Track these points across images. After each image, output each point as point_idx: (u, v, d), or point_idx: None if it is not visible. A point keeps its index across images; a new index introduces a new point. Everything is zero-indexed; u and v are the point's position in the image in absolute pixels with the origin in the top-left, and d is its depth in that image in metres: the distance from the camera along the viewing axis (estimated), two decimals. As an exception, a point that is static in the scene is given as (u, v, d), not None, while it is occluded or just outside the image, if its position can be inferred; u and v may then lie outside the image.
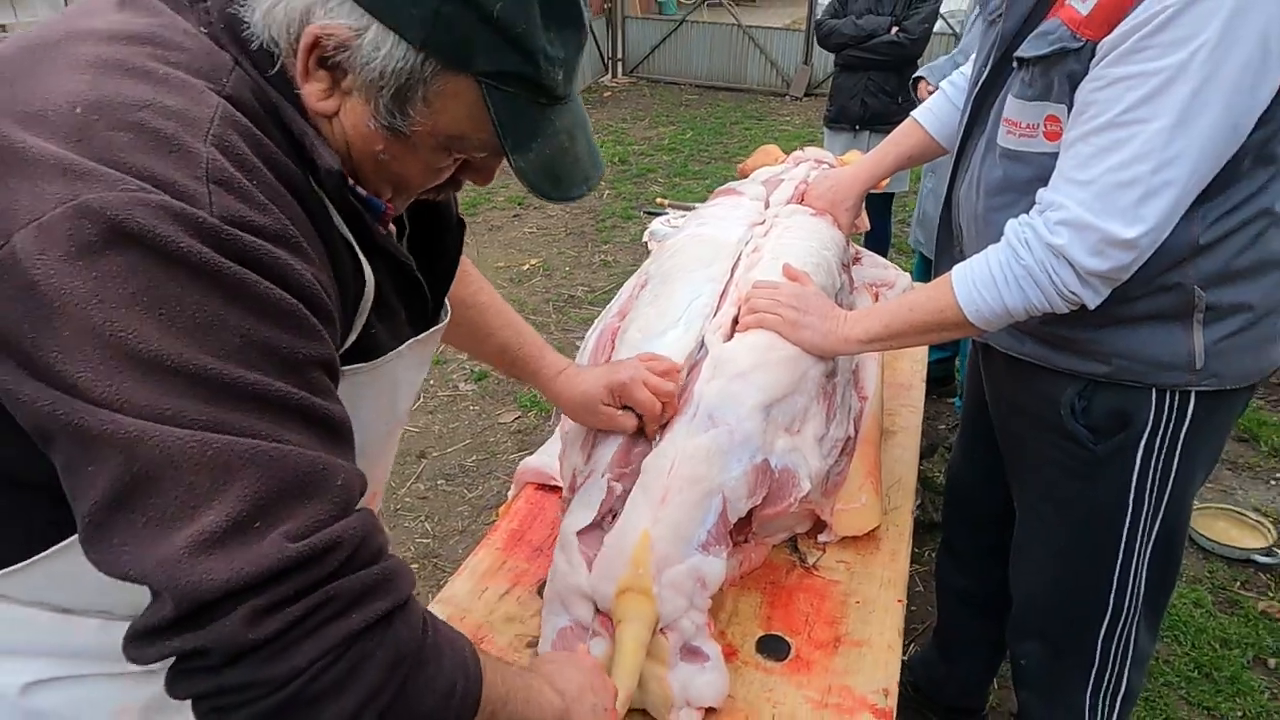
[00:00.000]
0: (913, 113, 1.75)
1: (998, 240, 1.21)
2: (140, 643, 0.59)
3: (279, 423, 0.60)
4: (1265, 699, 2.19)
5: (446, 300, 0.98)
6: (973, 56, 1.46)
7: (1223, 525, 2.77)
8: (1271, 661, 2.31)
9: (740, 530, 1.22)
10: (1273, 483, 3.09)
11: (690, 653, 1.07)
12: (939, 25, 3.88)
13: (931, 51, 4.01)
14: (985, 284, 1.18)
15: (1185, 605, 2.46)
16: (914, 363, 2.00)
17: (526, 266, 4.88)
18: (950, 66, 3.17)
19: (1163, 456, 1.30)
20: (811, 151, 2.02)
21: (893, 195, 3.85)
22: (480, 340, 1.20)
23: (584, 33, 0.71)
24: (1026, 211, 1.19)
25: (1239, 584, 2.60)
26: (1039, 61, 1.16)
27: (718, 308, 1.33)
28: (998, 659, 1.96)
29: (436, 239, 0.94)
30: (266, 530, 0.57)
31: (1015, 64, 1.23)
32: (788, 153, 2.12)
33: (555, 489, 1.51)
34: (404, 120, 0.69)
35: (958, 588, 1.88)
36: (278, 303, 0.60)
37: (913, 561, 1.39)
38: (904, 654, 1.18)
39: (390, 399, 0.90)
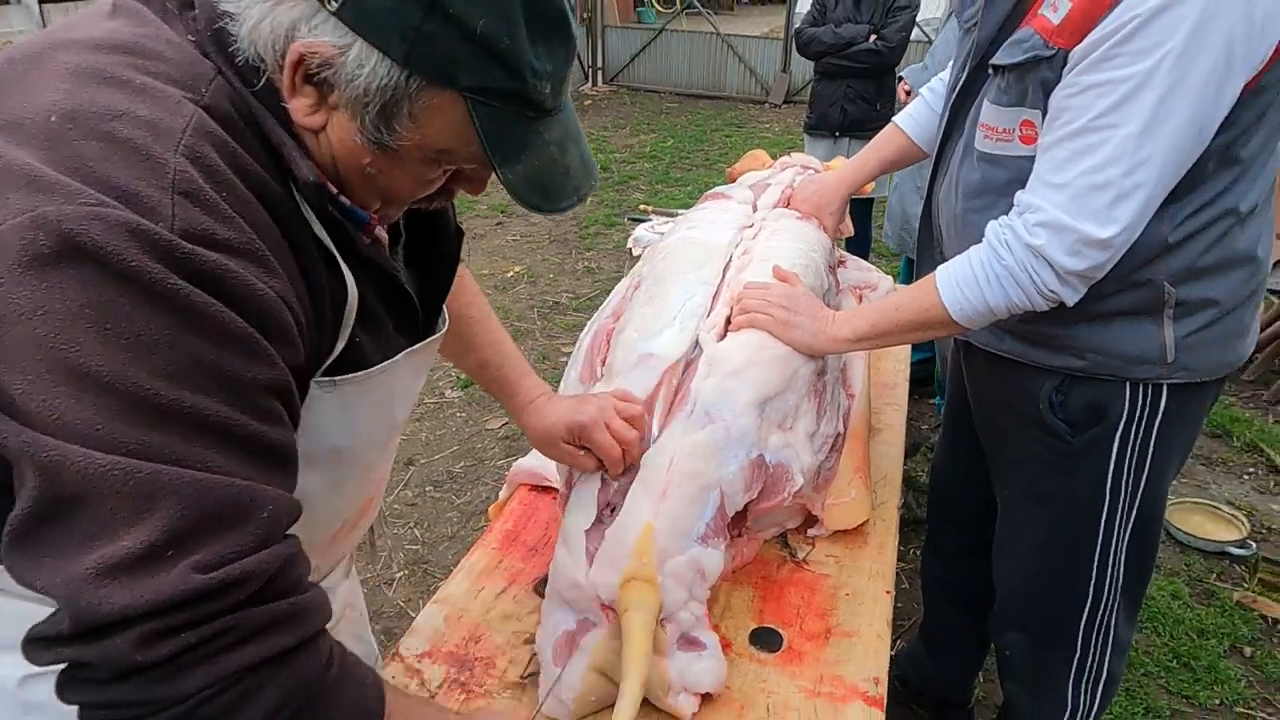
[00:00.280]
0: (894, 118, 1.79)
1: (976, 240, 1.25)
2: (36, 646, 0.60)
3: (212, 448, 0.59)
4: (1242, 687, 2.25)
5: (445, 309, 0.99)
6: (950, 64, 1.50)
7: (1198, 519, 2.84)
8: (1247, 650, 2.37)
9: (735, 525, 1.25)
10: (1245, 477, 3.17)
11: (688, 642, 1.10)
12: (915, 33, 3.95)
13: (908, 59, 4.07)
14: (968, 284, 1.22)
15: (1163, 597, 2.52)
16: (897, 362, 2.04)
17: (510, 274, 4.90)
18: (920, 70, 3.25)
19: (1138, 447, 1.34)
20: (797, 157, 2.06)
21: (872, 200, 3.91)
22: (462, 354, 1.20)
23: (572, 45, 0.71)
24: (1004, 213, 1.23)
25: (1215, 575, 2.66)
26: (1014, 69, 1.20)
27: (711, 308, 1.36)
28: (982, 652, 2.00)
29: (433, 247, 0.95)
30: (178, 559, 0.57)
31: (991, 71, 1.27)
32: (773, 158, 2.17)
33: (548, 490, 1.53)
34: (390, 135, 0.69)
35: (942, 583, 1.92)
36: (227, 326, 0.60)
37: (898, 559, 1.42)
38: (891, 648, 1.21)
39: (386, 407, 0.91)
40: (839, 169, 1.85)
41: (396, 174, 0.74)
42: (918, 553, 2.57)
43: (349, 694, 0.69)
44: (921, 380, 3.52)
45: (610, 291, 1.62)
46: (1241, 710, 2.19)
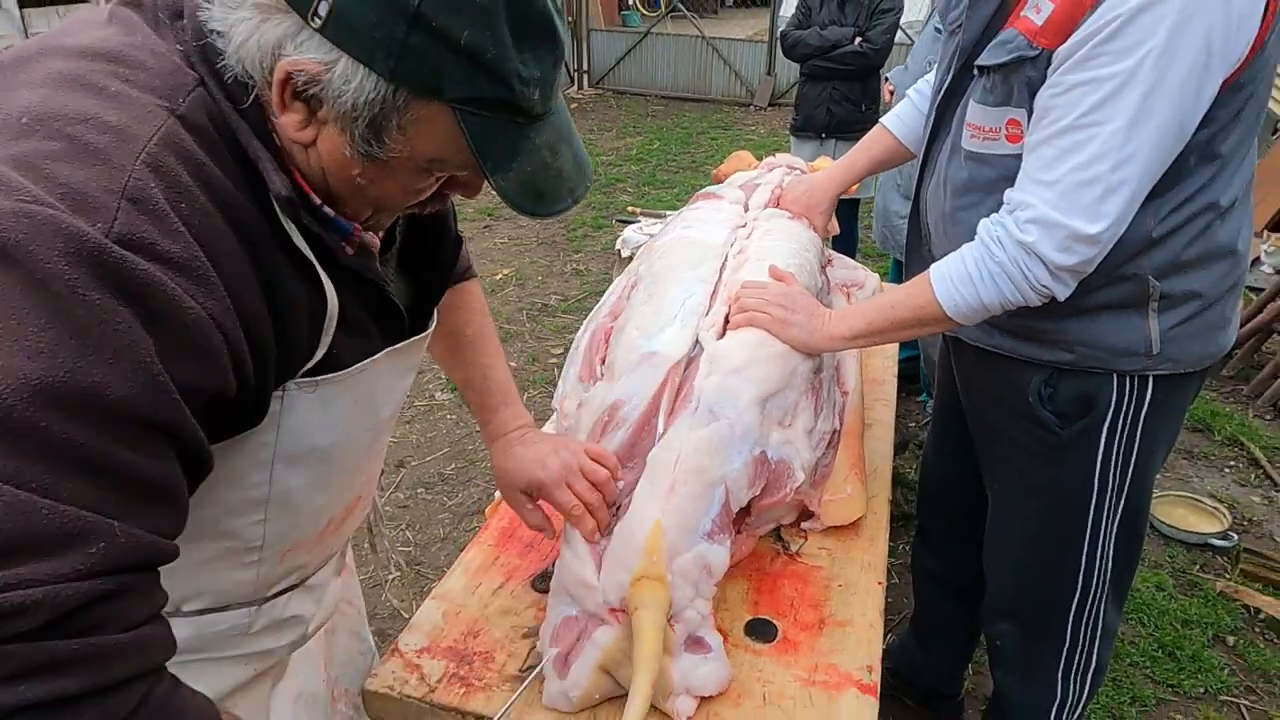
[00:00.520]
0: (882, 119, 1.82)
1: (965, 238, 1.27)
2: None
3: (60, 472, 0.55)
4: (1225, 675, 2.29)
5: (436, 310, 0.99)
6: (931, 65, 1.52)
7: (1181, 512, 2.89)
8: (1230, 639, 2.42)
9: (738, 521, 1.27)
10: (1226, 470, 3.22)
11: (694, 643, 1.10)
12: (898, 36, 3.99)
13: (892, 61, 4.12)
14: (962, 281, 1.24)
15: (1148, 589, 2.56)
16: (886, 359, 2.07)
17: (499, 277, 4.90)
18: (901, 71, 3.30)
19: (1125, 438, 1.37)
20: (783, 158, 2.09)
21: (858, 201, 3.95)
22: (451, 368, 1.21)
23: (560, 49, 0.71)
24: (991, 210, 1.26)
25: (1198, 567, 2.70)
26: (999, 69, 1.23)
27: (709, 307, 1.38)
28: (972, 644, 2.03)
29: (429, 251, 0.95)
30: None
31: (976, 72, 1.29)
32: (759, 159, 2.19)
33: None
34: (380, 148, 0.69)
35: (933, 575, 1.95)
36: (131, 350, 0.58)
37: (887, 554, 1.44)
38: (882, 640, 1.23)
39: (369, 407, 0.91)
40: (828, 170, 1.88)
41: (388, 184, 0.74)
42: (906, 548, 2.60)
43: None
44: (907, 378, 3.56)
45: (598, 293, 1.63)
46: (1225, 698, 2.23)
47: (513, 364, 3.91)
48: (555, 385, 3.40)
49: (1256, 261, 4.71)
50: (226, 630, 0.94)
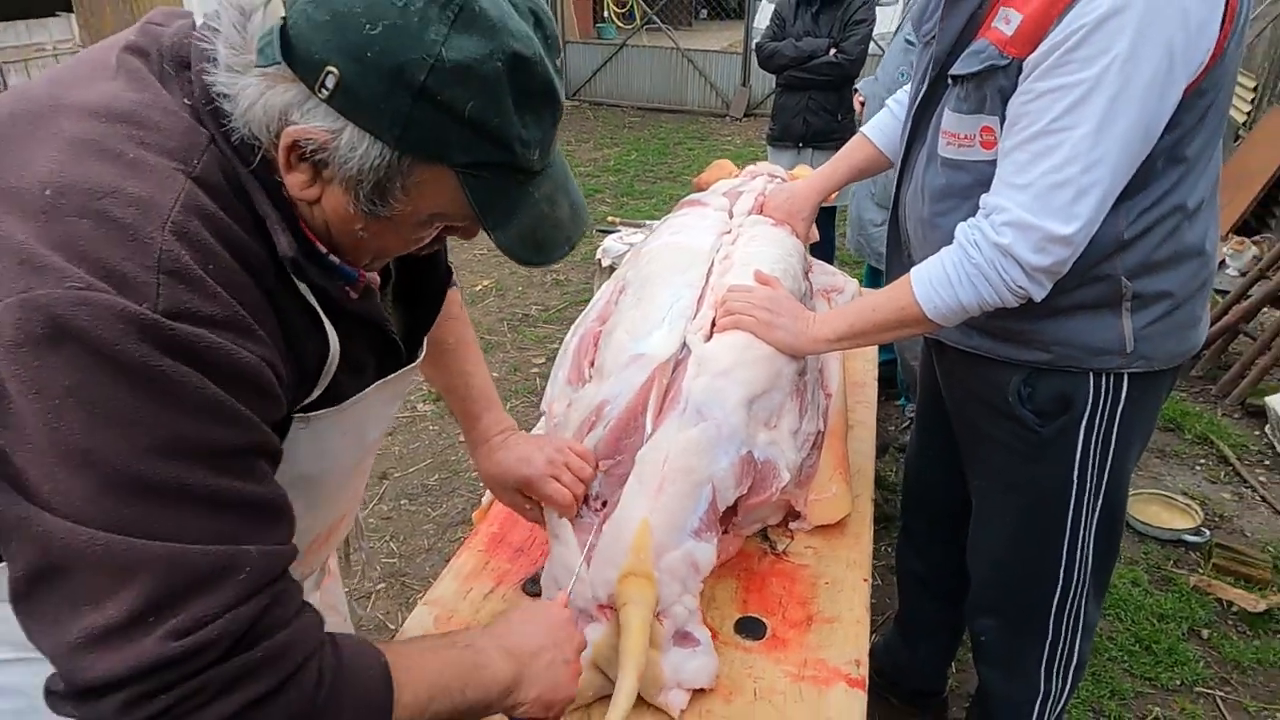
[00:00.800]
0: (862, 128, 1.86)
1: (943, 242, 1.31)
2: (51, 698, 0.65)
3: (192, 516, 0.63)
4: (1200, 667, 2.34)
5: (426, 339, 1.02)
6: (898, 75, 1.55)
7: (1155, 509, 2.94)
8: (1205, 633, 2.47)
9: (725, 520, 1.29)
10: (1197, 468, 3.29)
11: (682, 638, 1.12)
12: (870, 47, 4.06)
13: (864, 72, 4.19)
14: (941, 283, 1.28)
15: (1124, 584, 2.61)
16: (866, 362, 2.10)
17: (479, 287, 4.90)
18: (871, 81, 3.36)
19: (1102, 434, 1.41)
20: (764, 166, 2.12)
21: (835, 209, 4.00)
22: (432, 375, 1.22)
23: (560, 108, 0.73)
24: (967, 214, 1.29)
25: (1172, 562, 2.76)
26: (972, 78, 1.27)
27: (696, 310, 1.40)
28: (956, 642, 2.06)
29: (422, 282, 0.98)
30: (156, 626, 0.61)
31: (950, 81, 1.33)
32: (739, 168, 2.22)
33: (532, 493, 1.55)
34: (384, 207, 0.71)
35: (917, 573, 1.98)
36: (208, 399, 0.63)
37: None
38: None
39: (358, 435, 0.93)
40: (809, 177, 1.91)
41: (390, 236, 0.77)
42: (888, 549, 2.64)
43: (350, 701, 0.71)
44: (885, 381, 3.61)
45: (579, 303, 1.65)
46: (1201, 690, 2.28)
47: (495, 374, 3.91)
48: (537, 395, 3.39)
49: (1222, 265, 4.83)
50: None
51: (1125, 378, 1.37)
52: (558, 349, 1.50)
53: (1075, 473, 1.44)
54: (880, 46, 6.01)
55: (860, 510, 1.52)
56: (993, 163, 1.26)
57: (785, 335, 1.37)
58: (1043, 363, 1.39)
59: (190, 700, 0.63)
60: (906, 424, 3.40)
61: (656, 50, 10.24)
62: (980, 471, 1.60)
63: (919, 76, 1.47)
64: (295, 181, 0.70)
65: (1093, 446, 1.42)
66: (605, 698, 1.10)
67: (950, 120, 1.34)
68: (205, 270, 0.64)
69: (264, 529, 0.68)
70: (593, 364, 1.39)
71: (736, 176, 2.13)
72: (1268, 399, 3.43)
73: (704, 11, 16.01)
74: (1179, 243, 1.30)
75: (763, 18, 8.65)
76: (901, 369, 3.35)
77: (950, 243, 1.29)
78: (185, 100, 0.70)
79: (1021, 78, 1.19)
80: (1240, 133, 6.13)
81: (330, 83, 0.65)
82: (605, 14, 13.32)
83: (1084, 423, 1.40)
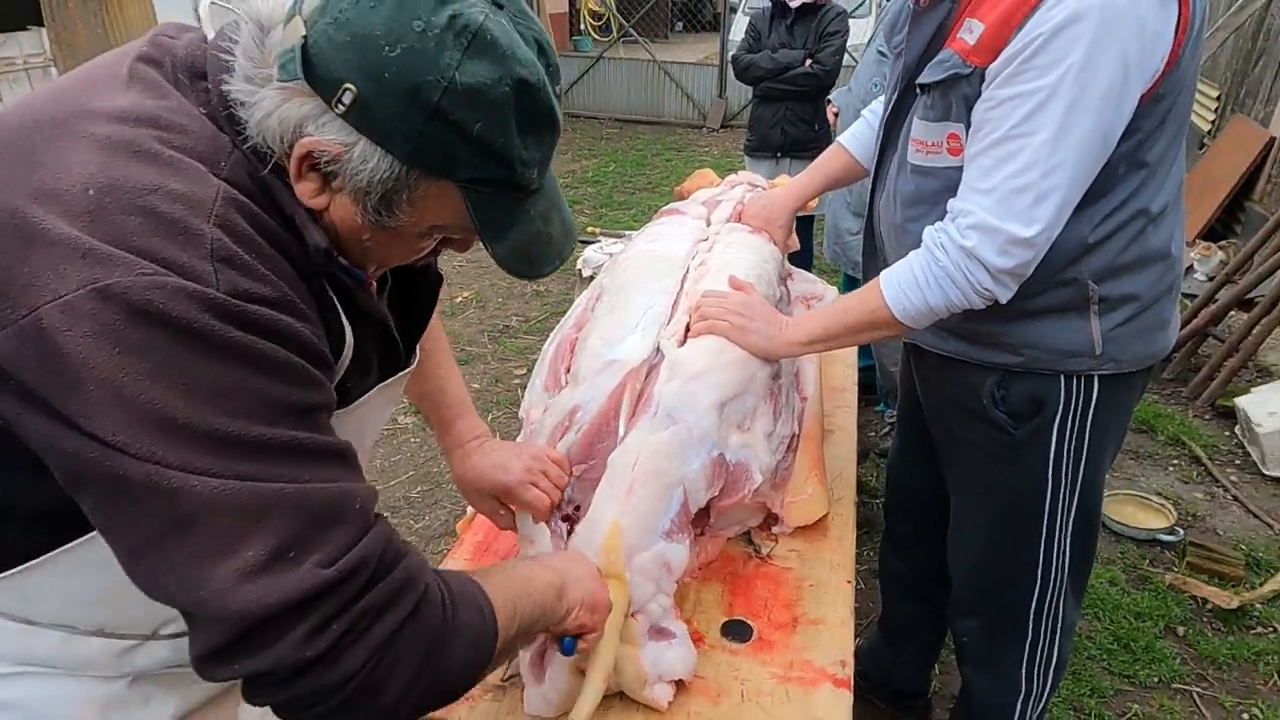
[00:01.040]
0: (838, 138, 1.89)
1: (914, 247, 1.33)
2: (208, 665, 0.67)
3: (297, 465, 0.67)
4: (1177, 664, 2.38)
5: (431, 333, 1.06)
6: (871, 85, 1.58)
7: (1130, 509, 2.99)
8: (1181, 630, 2.51)
9: (698, 522, 1.30)
10: (1170, 469, 3.35)
11: (658, 632, 1.14)
12: (844, 59, 4.12)
13: (839, 82, 4.25)
14: (910, 286, 1.30)
15: (1101, 584, 2.64)
16: (846, 368, 2.13)
17: (459, 299, 4.90)
18: (844, 93, 3.40)
19: (1075, 436, 1.44)
20: (744, 175, 2.15)
21: (813, 217, 4.05)
22: (409, 382, 1.23)
23: (558, 131, 0.78)
24: (938, 220, 1.32)
25: (1147, 562, 2.80)
26: (937, 86, 1.30)
27: (671, 316, 1.42)
28: (939, 643, 2.08)
29: (415, 290, 1.01)
30: (301, 559, 0.65)
31: (918, 90, 1.36)
32: (720, 177, 2.25)
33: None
34: (390, 218, 0.75)
35: (900, 576, 2.00)
36: (284, 362, 0.68)
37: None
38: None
39: (358, 438, 0.94)
40: (787, 185, 1.94)
41: (392, 246, 0.81)
42: (870, 554, 2.66)
43: (466, 615, 0.78)
44: (864, 387, 3.64)
45: (559, 313, 1.66)
46: (1178, 686, 2.32)
47: (475, 386, 3.91)
48: (518, 406, 3.39)
49: (1190, 270, 4.93)
50: None
51: (1095, 379, 1.40)
52: (537, 359, 1.51)
53: (1050, 473, 1.46)
54: (854, 58, 6.09)
55: (842, 513, 1.54)
56: (959, 169, 1.28)
57: (759, 339, 1.39)
58: (1015, 365, 1.41)
59: (360, 623, 0.68)
60: (886, 429, 3.44)
61: (633, 62, 10.30)
62: (957, 474, 1.62)
63: (890, 87, 1.50)
64: (304, 190, 0.74)
65: (1066, 447, 1.44)
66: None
67: (919, 128, 1.37)
68: (251, 258, 0.68)
69: (353, 471, 0.73)
70: (569, 370, 1.40)
71: (717, 185, 2.15)
72: (1237, 400, 3.50)
73: (679, 24, 16.14)
74: (1144, 247, 1.33)
75: (738, 30, 8.73)
76: (880, 375, 3.38)
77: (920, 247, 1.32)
78: (201, 109, 0.73)
79: (984, 85, 1.22)
80: (1205, 141, 6.27)
81: (347, 99, 0.68)
82: (582, 27, 13.39)
83: (1056, 424, 1.43)
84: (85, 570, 0.68)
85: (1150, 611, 2.55)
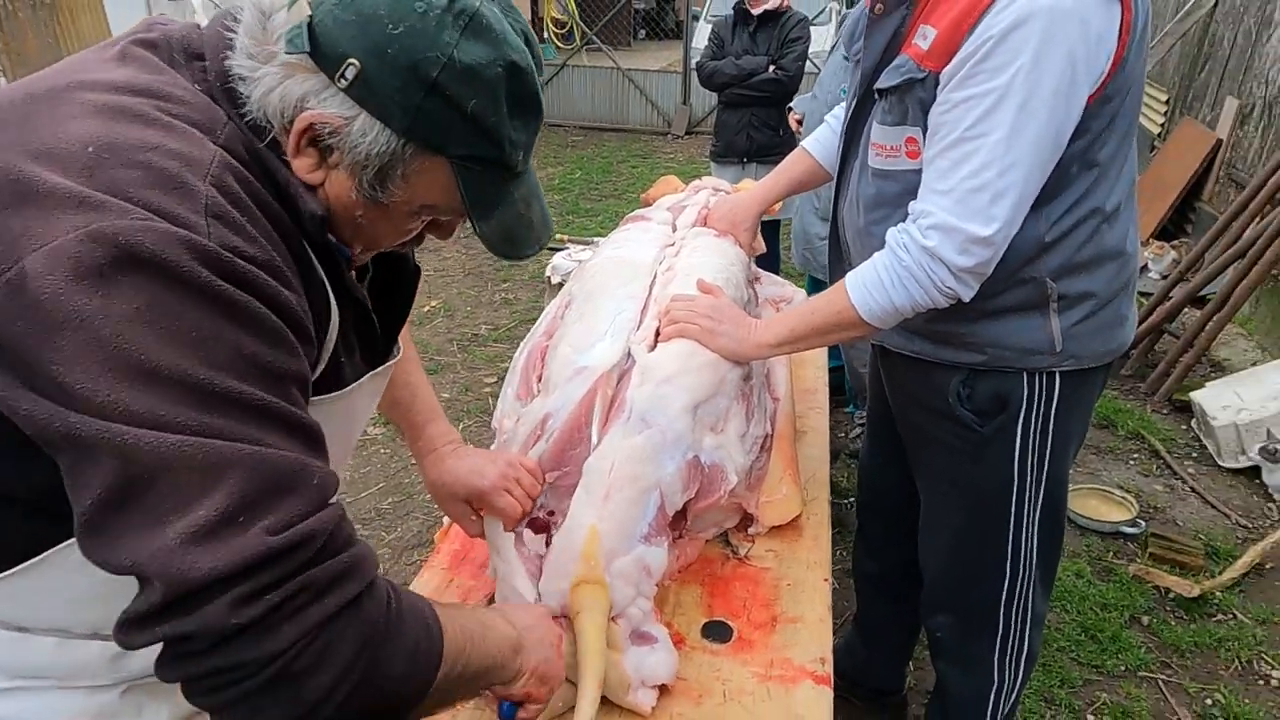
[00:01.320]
0: (802, 142, 1.91)
1: (878, 249, 1.36)
2: (130, 629, 0.64)
3: (263, 428, 0.66)
4: (1142, 653, 2.44)
5: (399, 339, 1.05)
6: (839, 91, 1.61)
7: (1094, 503, 3.06)
8: (1145, 619, 2.57)
9: (676, 524, 1.31)
10: (1131, 462, 3.44)
11: (640, 637, 1.14)
12: (807, 65, 4.17)
13: (802, 89, 4.31)
14: (874, 286, 1.32)
15: (1068, 576, 2.70)
16: (817, 369, 2.15)
17: (427, 308, 4.86)
18: (810, 100, 3.44)
19: (1039, 431, 1.47)
20: (708, 181, 2.17)
21: (779, 222, 4.09)
22: None
23: (541, 117, 0.81)
24: (900, 222, 1.34)
25: (1112, 554, 2.87)
26: (894, 91, 1.33)
27: (640, 321, 1.43)
28: (912, 640, 2.11)
29: (394, 281, 1.02)
30: (250, 524, 0.63)
31: (876, 96, 1.39)
32: (685, 184, 2.26)
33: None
34: (383, 193, 0.78)
35: (873, 574, 2.02)
36: (265, 321, 0.68)
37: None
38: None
39: (347, 428, 0.97)
40: (751, 189, 1.96)
41: (383, 224, 0.83)
42: (843, 554, 2.69)
43: (411, 624, 0.76)
44: (833, 389, 3.68)
45: (529, 321, 1.67)
46: (1144, 674, 2.37)
47: (446, 395, 3.88)
48: (489, 414, 3.37)
49: (1144, 269, 5.07)
50: None
51: (1057, 376, 1.43)
52: (508, 368, 1.51)
53: (1016, 469, 1.49)
54: (816, 65, 6.18)
55: (818, 513, 1.56)
56: (918, 172, 1.31)
57: (728, 342, 1.40)
58: (979, 364, 1.44)
59: (295, 599, 0.65)
60: (857, 432, 3.47)
61: (597, 70, 10.33)
62: (926, 472, 1.65)
63: (851, 93, 1.53)
64: (302, 165, 0.76)
65: (1031, 443, 1.47)
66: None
67: (878, 132, 1.40)
68: (244, 220, 0.69)
69: (316, 449, 0.71)
70: (540, 379, 1.40)
71: (682, 192, 2.17)
72: (1193, 394, 3.60)
73: (642, 32, 16.21)
74: (1099, 245, 1.36)
75: (700, 37, 8.80)
76: (850, 376, 3.42)
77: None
78: (198, 85, 0.75)
79: (939, 89, 1.25)
80: (1155, 144, 6.45)
81: (350, 74, 0.71)
82: (545, 35, 13.39)
83: (1021, 420, 1.46)
84: (86, 567, 0.66)
85: (1115, 602, 2.61)
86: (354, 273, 0.92)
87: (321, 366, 0.84)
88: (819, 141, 1.86)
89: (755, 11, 4.07)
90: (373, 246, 0.88)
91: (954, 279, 1.26)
